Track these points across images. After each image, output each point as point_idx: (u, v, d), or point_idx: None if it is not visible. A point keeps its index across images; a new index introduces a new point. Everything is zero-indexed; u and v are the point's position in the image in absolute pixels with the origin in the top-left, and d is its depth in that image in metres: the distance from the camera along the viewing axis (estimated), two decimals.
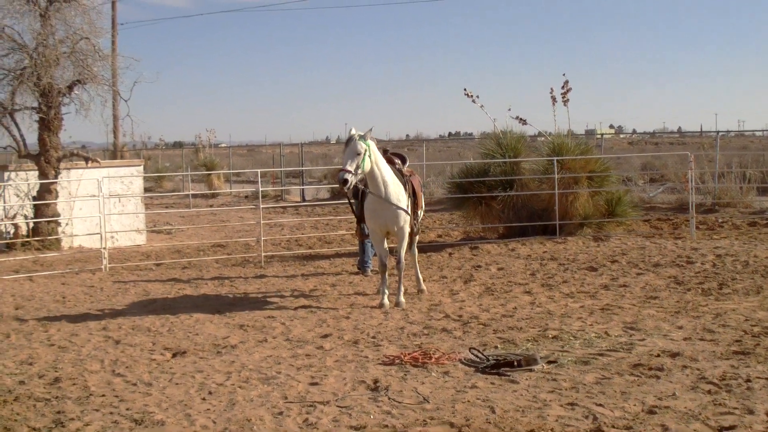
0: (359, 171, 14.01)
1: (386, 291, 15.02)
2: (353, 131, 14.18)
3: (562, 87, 24.13)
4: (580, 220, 22.86)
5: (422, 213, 16.33)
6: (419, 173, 35.76)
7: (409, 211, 14.99)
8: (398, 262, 15.16)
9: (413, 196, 15.34)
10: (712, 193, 29.53)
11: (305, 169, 44.90)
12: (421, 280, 16.29)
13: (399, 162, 15.46)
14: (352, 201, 15.77)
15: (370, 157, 14.16)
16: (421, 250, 21.42)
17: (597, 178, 23.18)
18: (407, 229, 15.02)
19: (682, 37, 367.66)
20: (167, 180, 52.57)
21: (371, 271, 18.35)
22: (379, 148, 14.71)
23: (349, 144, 14.10)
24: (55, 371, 11.10)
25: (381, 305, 14.86)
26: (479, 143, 30.02)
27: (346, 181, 13.80)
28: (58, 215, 24.77)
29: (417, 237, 16.66)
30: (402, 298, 14.96)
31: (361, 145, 13.98)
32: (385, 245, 15.41)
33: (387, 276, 15.13)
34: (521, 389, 9.46)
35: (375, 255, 16.61)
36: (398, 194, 14.73)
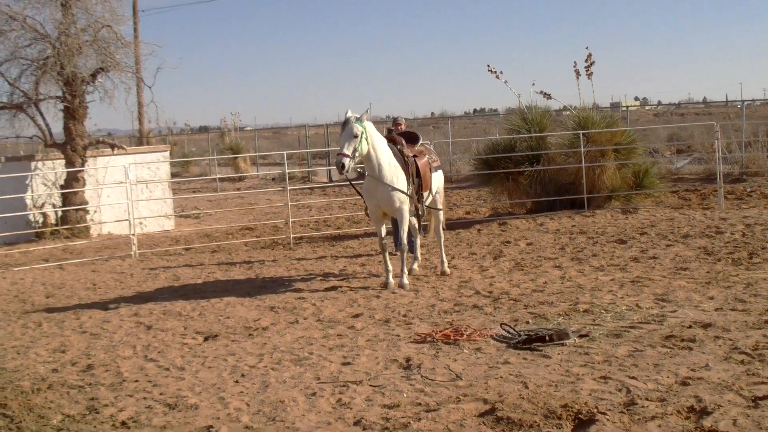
0: (356, 154, 13.95)
1: (390, 270, 14.95)
2: (349, 113, 14.08)
3: (586, 60, 24.04)
4: (607, 193, 22.78)
5: (432, 195, 15.91)
6: (444, 151, 35.84)
7: (410, 193, 14.82)
8: (399, 244, 15.06)
9: (418, 176, 15.16)
10: (740, 163, 29.37)
11: (331, 150, 44.83)
12: (446, 263, 16.12)
13: (402, 142, 15.31)
14: (354, 183, 15.55)
15: (366, 139, 14.10)
16: (450, 227, 21.40)
17: (623, 151, 23.10)
18: (406, 210, 14.80)
19: (706, 7, 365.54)
20: (194, 165, 52.58)
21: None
22: (383, 129, 14.57)
23: (345, 127, 14.02)
24: (88, 358, 11.16)
25: (386, 285, 14.82)
26: (504, 119, 29.85)
27: (343, 165, 13.71)
28: (86, 203, 24.89)
29: (442, 217, 16.55)
30: (405, 280, 14.80)
31: (358, 128, 13.91)
32: (384, 227, 15.24)
33: (388, 255, 15.06)
34: (554, 364, 9.44)
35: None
36: (394, 175, 14.55)
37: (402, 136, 15.51)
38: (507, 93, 40.32)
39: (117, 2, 25.92)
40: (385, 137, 15.03)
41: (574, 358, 9.58)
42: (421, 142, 16.07)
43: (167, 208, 27.40)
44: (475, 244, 19.05)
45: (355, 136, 13.86)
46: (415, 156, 15.23)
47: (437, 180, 16.13)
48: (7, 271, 19.26)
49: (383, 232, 15.11)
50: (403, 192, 14.59)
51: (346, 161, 13.72)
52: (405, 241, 15.00)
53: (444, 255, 16.19)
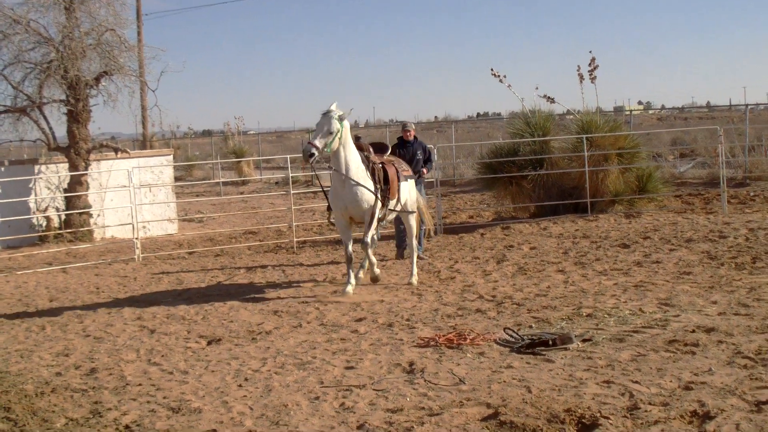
0: (325, 150, 13.87)
1: (351, 281, 14.87)
2: (333, 107, 14.05)
3: (589, 64, 24.03)
4: (611, 197, 22.79)
5: (401, 205, 15.73)
6: (448, 154, 35.81)
7: (378, 196, 14.72)
8: (363, 241, 14.85)
9: (386, 183, 15.01)
10: (743, 167, 29.40)
11: None
12: (415, 275, 15.71)
13: (370, 150, 15.23)
14: (319, 173, 15.44)
15: (339, 138, 14.06)
16: (453, 231, 21.48)
17: (627, 155, 23.11)
18: (374, 212, 14.71)
19: (709, 11, 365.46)
20: (197, 168, 52.59)
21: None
22: (352, 136, 14.56)
23: (324, 119, 13.98)
24: (91, 362, 11.16)
25: (343, 293, 14.68)
26: (508, 123, 29.98)
27: (312, 155, 13.70)
28: (90, 206, 24.88)
29: (415, 230, 16.37)
30: (377, 270, 15.35)
31: (336, 125, 13.89)
32: (351, 236, 15.17)
33: (353, 266, 15.12)
34: (557, 368, 9.43)
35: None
36: (361, 178, 14.47)
37: (372, 146, 15.48)
38: (510, 97, 40.51)
39: (120, 6, 25.99)
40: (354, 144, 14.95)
41: (578, 363, 9.58)
42: (426, 147, 16.01)
43: (171, 212, 27.42)
44: (479, 248, 19.04)
45: (330, 132, 13.85)
46: (382, 164, 15.20)
47: (407, 190, 15.91)
48: (11, 275, 19.29)
49: (350, 241, 15.07)
50: (370, 190, 14.52)
51: (315, 151, 13.69)
52: (369, 239, 14.73)
53: (415, 268, 15.85)
